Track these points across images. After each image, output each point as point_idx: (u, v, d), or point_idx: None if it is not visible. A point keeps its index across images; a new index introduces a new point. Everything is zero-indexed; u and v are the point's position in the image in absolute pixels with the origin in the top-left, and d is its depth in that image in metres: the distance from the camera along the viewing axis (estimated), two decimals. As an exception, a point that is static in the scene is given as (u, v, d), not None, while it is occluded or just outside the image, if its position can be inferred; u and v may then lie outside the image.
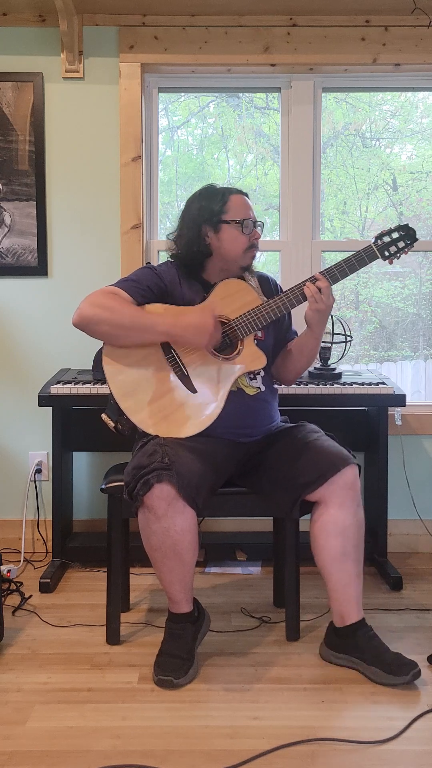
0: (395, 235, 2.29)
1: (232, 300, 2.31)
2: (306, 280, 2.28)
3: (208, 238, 2.31)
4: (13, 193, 3.19)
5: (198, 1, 3.00)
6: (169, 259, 2.41)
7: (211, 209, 2.31)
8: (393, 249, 2.29)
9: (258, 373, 2.36)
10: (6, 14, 3.12)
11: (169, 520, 2.06)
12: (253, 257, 2.38)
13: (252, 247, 2.34)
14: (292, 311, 2.39)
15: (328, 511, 2.19)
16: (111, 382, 2.22)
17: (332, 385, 2.86)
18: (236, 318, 2.28)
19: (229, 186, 2.41)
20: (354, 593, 2.21)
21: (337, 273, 2.28)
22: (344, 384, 2.87)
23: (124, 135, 3.17)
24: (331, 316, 2.86)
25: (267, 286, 2.47)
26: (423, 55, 3.11)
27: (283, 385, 2.80)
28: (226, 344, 2.28)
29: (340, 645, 2.22)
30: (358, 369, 3.35)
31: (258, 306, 2.29)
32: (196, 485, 2.09)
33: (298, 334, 2.49)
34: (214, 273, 2.36)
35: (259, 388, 2.35)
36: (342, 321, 3.07)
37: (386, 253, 2.28)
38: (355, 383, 2.87)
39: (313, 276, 2.28)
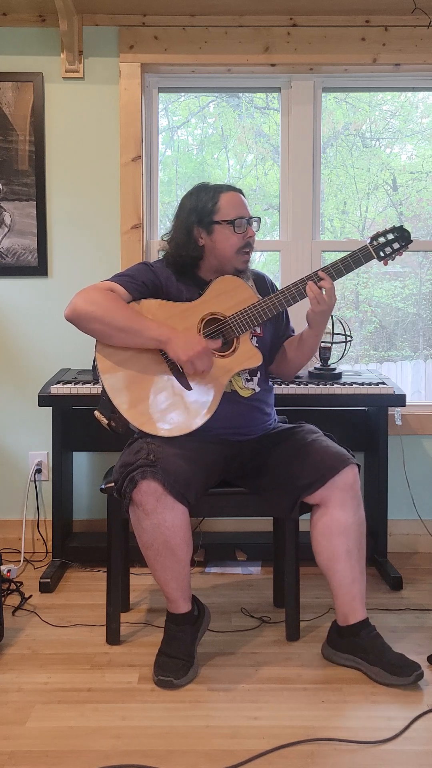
0: (390, 236, 2.30)
1: (228, 297, 2.28)
2: (306, 278, 2.26)
3: (201, 239, 2.29)
4: (13, 193, 3.19)
5: (198, 1, 3.00)
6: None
7: (202, 210, 2.28)
8: (388, 250, 2.30)
9: (255, 375, 2.34)
10: (6, 14, 3.12)
11: (159, 516, 2.06)
12: (247, 261, 2.33)
13: (246, 247, 2.30)
14: (289, 309, 2.38)
15: (329, 512, 2.19)
16: (104, 378, 2.18)
17: (332, 385, 2.86)
18: (232, 315, 2.26)
19: (222, 183, 2.36)
20: (358, 591, 2.20)
21: (334, 272, 2.27)
22: (344, 384, 2.86)
23: (124, 135, 3.17)
24: (332, 316, 2.85)
25: (263, 284, 2.45)
26: (423, 55, 3.11)
27: (282, 384, 2.80)
28: (221, 341, 2.27)
29: (344, 645, 2.21)
30: (358, 369, 3.35)
31: (254, 303, 2.26)
32: (185, 481, 2.08)
33: (295, 332, 2.49)
34: (208, 272, 2.34)
35: (253, 389, 2.33)
36: (342, 321, 3.07)
37: (381, 254, 2.29)
38: (355, 383, 2.87)
39: (315, 273, 2.25)
